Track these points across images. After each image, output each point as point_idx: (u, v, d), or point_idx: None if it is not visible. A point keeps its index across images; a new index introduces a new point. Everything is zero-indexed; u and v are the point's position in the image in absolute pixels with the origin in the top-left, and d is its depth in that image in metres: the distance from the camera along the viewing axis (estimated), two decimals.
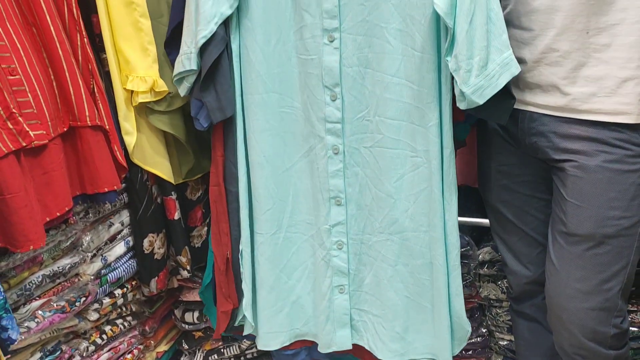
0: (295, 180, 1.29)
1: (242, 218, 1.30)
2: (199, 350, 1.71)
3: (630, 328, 1.39)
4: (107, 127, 1.29)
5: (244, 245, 1.31)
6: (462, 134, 1.42)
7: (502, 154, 1.32)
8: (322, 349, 1.36)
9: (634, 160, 1.13)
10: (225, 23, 1.19)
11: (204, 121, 1.25)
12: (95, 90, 1.28)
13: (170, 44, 1.30)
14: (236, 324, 1.41)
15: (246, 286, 1.33)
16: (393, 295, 1.29)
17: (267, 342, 1.37)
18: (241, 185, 1.28)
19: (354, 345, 1.37)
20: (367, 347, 1.35)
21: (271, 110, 1.25)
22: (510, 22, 1.19)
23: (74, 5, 1.22)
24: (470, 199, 1.74)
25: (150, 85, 1.33)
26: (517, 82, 1.21)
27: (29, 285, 1.18)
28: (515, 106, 1.22)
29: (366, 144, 1.23)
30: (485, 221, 1.47)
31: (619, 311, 1.21)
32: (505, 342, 1.57)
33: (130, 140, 1.38)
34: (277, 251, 1.32)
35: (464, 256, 1.55)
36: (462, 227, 1.64)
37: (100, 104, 1.28)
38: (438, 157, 1.20)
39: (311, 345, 1.43)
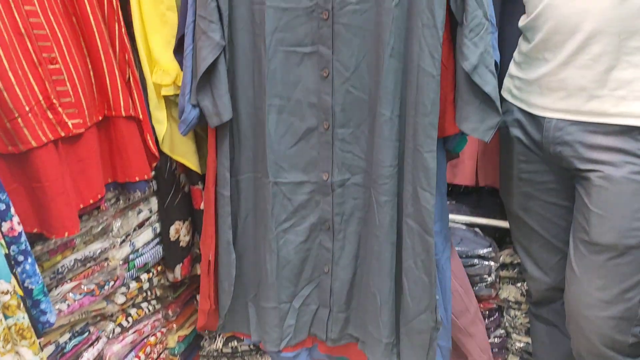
0: None
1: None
2: (219, 335, 1.74)
3: None
4: (141, 116, 1.31)
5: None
6: (460, 146, 1.37)
7: (525, 161, 1.32)
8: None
9: None
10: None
11: (182, 125, 1.26)
12: (131, 79, 1.30)
13: (179, 50, 1.29)
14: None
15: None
16: None
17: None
18: None
19: (352, 349, 1.38)
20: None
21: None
22: (537, 27, 1.19)
23: None
24: (492, 199, 1.75)
25: (173, 79, 1.35)
26: (540, 87, 1.20)
27: (62, 269, 1.22)
28: (540, 113, 1.22)
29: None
30: (507, 223, 1.48)
31: (639, 320, 1.22)
32: (522, 344, 1.59)
33: (161, 129, 1.40)
34: None
35: (485, 257, 1.56)
36: (485, 228, 1.66)
37: (135, 94, 1.30)
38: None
39: (311, 346, 1.43)
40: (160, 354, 1.65)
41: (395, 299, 1.27)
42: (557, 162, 1.24)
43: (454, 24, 1.15)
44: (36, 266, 1.03)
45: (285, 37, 1.19)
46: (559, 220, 1.33)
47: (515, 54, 1.31)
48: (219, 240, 1.33)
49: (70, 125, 1.11)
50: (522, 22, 1.27)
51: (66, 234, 1.11)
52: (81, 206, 1.19)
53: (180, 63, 1.31)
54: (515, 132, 1.31)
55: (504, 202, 1.42)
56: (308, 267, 1.33)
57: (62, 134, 1.09)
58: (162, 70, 1.35)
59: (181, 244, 1.55)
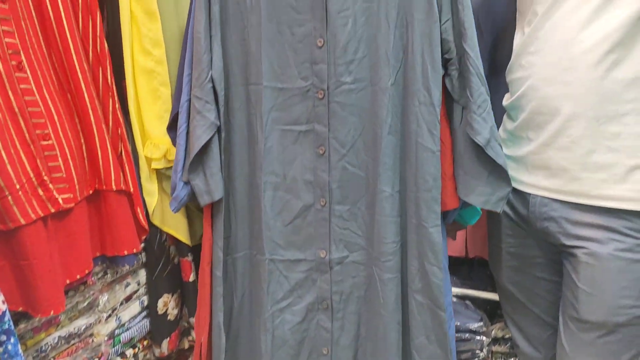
0: None
1: None
2: None
3: None
4: (132, 189, 1.32)
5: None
6: (469, 218, 1.40)
7: (512, 235, 1.33)
8: None
9: None
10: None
11: (174, 202, 1.25)
12: (123, 153, 1.32)
13: (172, 127, 1.31)
14: None
15: None
16: None
17: None
18: None
19: None
20: None
21: None
22: (520, 107, 1.22)
23: (109, 72, 1.27)
24: (483, 271, 1.74)
25: (163, 153, 1.37)
26: (526, 164, 1.23)
27: (45, 347, 1.19)
28: (525, 189, 1.24)
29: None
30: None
31: None
32: None
33: (151, 201, 1.40)
34: None
35: (477, 332, 1.54)
36: (476, 300, 1.64)
37: (126, 167, 1.31)
38: None
39: None
40: None
41: None
42: (544, 237, 1.25)
43: (448, 100, 1.19)
44: (19, 346, 1.00)
45: (282, 116, 1.21)
46: (548, 295, 1.32)
47: (501, 131, 1.34)
48: (212, 322, 1.30)
49: (61, 201, 1.11)
50: (506, 101, 1.30)
51: (52, 312, 1.09)
52: (68, 282, 1.18)
53: (173, 140, 1.32)
54: None
55: (494, 276, 1.42)
56: (305, 349, 1.29)
57: (52, 210, 1.09)
58: (153, 144, 1.37)
59: (169, 317, 1.53)
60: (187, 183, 1.24)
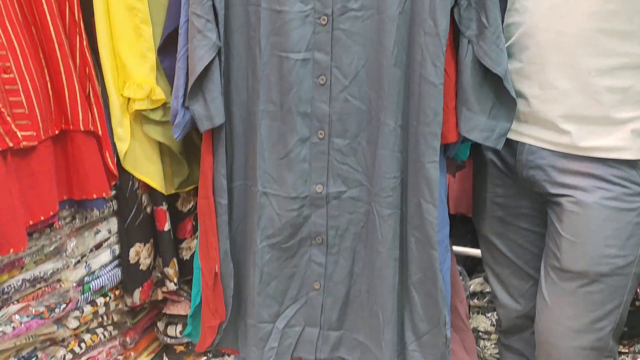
0: None
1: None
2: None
3: None
4: (100, 132, 1.27)
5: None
6: (464, 153, 1.37)
7: (498, 185, 1.30)
8: None
9: (632, 199, 1.11)
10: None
11: (177, 129, 1.21)
12: (91, 94, 1.27)
13: (164, 50, 1.26)
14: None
15: None
16: None
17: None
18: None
19: None
20: None
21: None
22: (512, 55, 1.18)
23: (75, 6, 1.22)
24: (464, 227, 1.72)
25: (147, 93, 1.31)
26: (516, 114, 1.19)
27: (7, 289, 1.15)
28: (514, 137, 1.21)
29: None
30: (478, 251, 1.45)
31: (610, 351, 1.19)
32: None
33: (122, 146, 1.35)
34: None
35: None
36: (456, 256, 1.62)
37: (95, 109, 1.27)
38: None
39: None
40: None
41: (398, 316, 1.22)
42: (530, 186, 1.22)
43: (455, 32, 1.14)
44: None
45: (280, 41, 1.14)
46: (531, 247, 1.30)
47: None
48: (221, 250, 1.26)
49: (20, 136, 1.06)
50: None
51: (11, 251, 1.05)
52: (31, 223, 1.14)
53: (164, 63, 1.27)
54: (490, 155, 1.30)
55: (477, 227, 1.40)
56: (295, 285, 1.26)
57: (10, 144, 1.04)
58: (136, 84, 1.31)
59: (141, 267, 1.49)
60: (189, 109, 1.19)
